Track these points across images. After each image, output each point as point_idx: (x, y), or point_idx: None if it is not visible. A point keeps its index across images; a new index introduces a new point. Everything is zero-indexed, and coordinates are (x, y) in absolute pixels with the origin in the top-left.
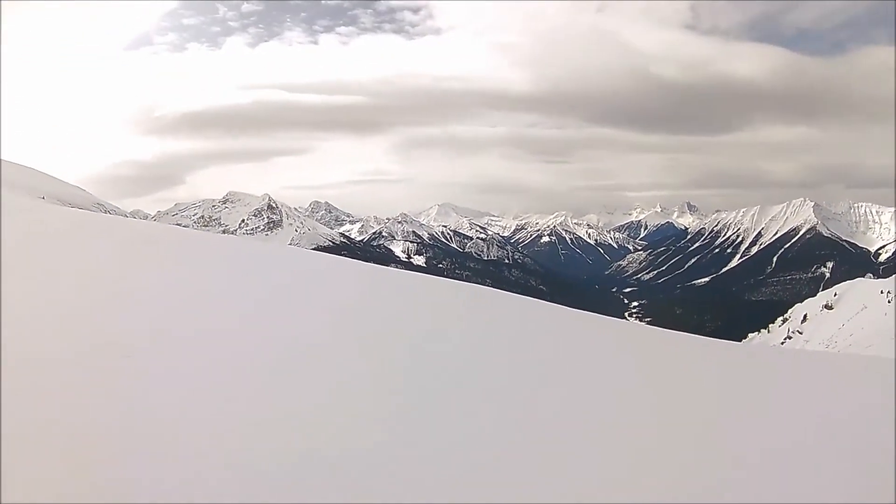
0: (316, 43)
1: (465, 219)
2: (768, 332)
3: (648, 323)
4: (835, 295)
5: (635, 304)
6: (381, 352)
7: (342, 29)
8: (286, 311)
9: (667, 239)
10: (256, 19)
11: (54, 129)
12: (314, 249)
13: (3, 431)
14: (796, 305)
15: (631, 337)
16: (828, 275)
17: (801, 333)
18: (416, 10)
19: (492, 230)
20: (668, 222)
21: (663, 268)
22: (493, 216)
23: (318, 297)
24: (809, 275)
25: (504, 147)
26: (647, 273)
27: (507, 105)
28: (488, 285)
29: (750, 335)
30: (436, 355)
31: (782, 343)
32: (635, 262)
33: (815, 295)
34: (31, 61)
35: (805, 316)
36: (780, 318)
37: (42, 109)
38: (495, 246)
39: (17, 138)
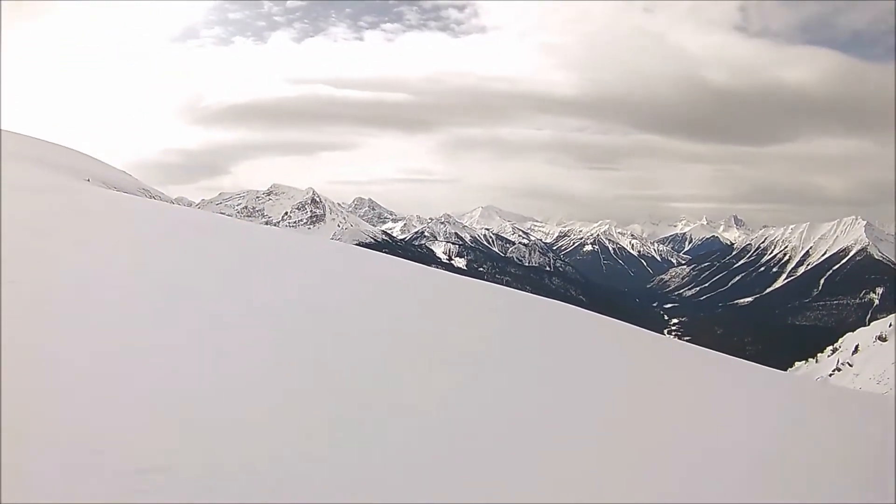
0: (361, 39)
1: (508, 223)
2: (816, 361)
3: (687, 342)
4: (889, 326)
5: (675, 320)
6: (406, 350)
7: (387, 26)
8: (315, 304)
9: (711, 254)
10: (301, 14)
11: (103, 116)
12: (355, 245)
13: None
14: (848, 335)
15: (672, 353)
16: (877, 301)
17: (850, 366)
18: (461, 8)
19: (534, 235)
20: (713, 236)
21: (706, 284)
22: (537, 221)
23: (357, 293)
24: (857, 300)
25: (549, 151)
26: (690, 289)
27: (553, 108)
28: (528, 292)
29: (797, 364)
30: (463, 359)
31: (830, 375)
32: (678, 276)
33: (861, 322)
34: (80, 51)
35: (857, 347)
36: (830, 347)
37: (92, 97)
38: (537, 252)
39: (67, 124)
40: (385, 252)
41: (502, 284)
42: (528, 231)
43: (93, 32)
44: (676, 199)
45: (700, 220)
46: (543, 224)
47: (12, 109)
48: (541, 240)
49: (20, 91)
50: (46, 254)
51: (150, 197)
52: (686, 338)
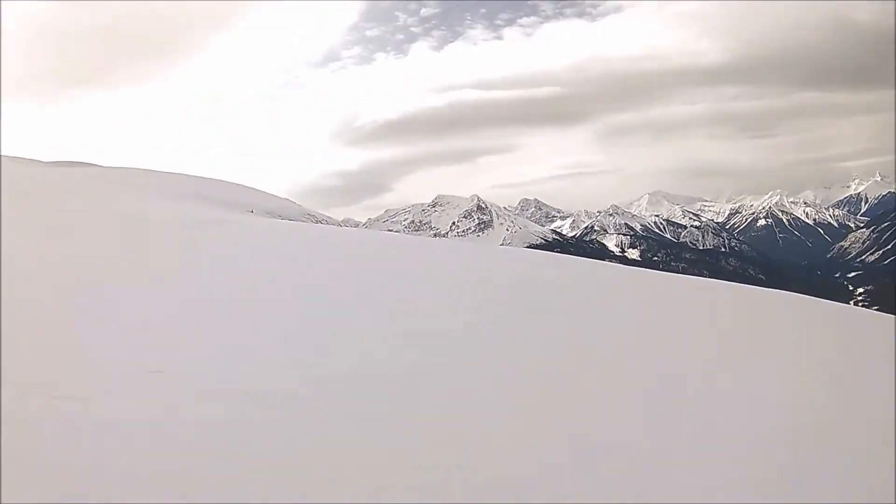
0: (500, 38)
1: (676, 206)
2: None
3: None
4: None
5: (861, 290)
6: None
7: (524, 20)
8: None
9: (890, 212)
10: (437, 22)
11: (261, 148)
12: (527, 248)
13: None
14: None
15: (869, 327)
16: None
17: None
18: None
19: (705, 216)
20: (889, 193)
21: (889, 246)
22: (706, 201)
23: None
24: None
25: (707, 125)
26: (872, 254)
27: (703, 79)
28: (705, 277)
29: None
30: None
31: None
32: (858, 241)
33: None
34: (229, 87)
35: None
36: None
37: (248, 131)
38: (710, 233)
39: (227, 158)
40: (557, 251)
41: (677, 272)
42: (699, 212)
43: (237, 70)
44: (846, 158)
45: (874, 177)
46: (713, 203)
47: (175, 148)
48: (712, 220)
49: (179, 130)
50: (224, 286)
51: (316, 221)
52: (875, 307)
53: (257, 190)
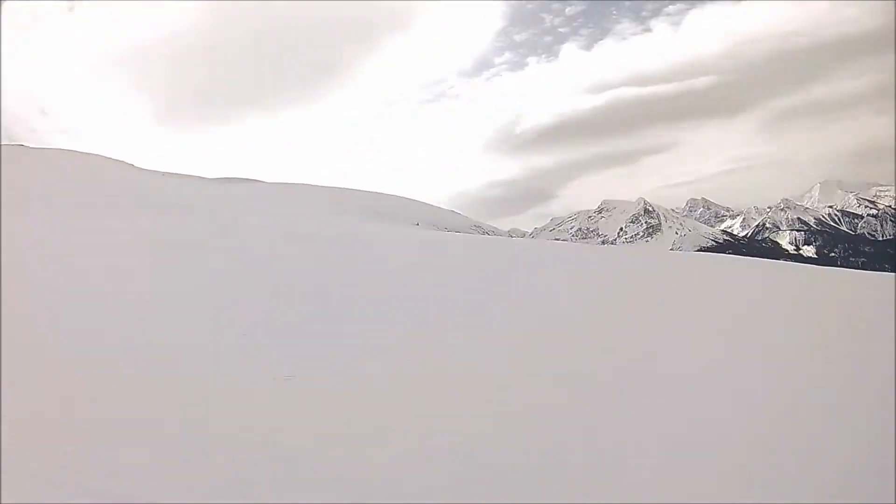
0: (649, 30)
1: (850, 194)
2: None
3: None
4: None
5: None
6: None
7: (669, 8)
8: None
9: None
10: (584, 20)
11: (421, 161)
12: (697, 251)
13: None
14: None
15: None
16: None
17: None
18: None
19: (882, 202)
20: None
21: None
22: (881, 186)
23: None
24: None
25: (874, 100)
26: None
27: (862, 48)
28: (888, 272)
29: None
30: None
31: None
32: None
33: None
34: (390, 104)
35: None
36: None
37: (406, 145)
38: (889, 221)
39: (388, 172)
40: (728, 253)
41: (857, 267)
42: (875, 199)
43: (390, 86)
44: None
45: None
46: (889, 187)
47: (336, 165)
48: (890, 206)
49: (338, 149)
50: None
51: (483, 233)
52: None
53: (422, 202)
